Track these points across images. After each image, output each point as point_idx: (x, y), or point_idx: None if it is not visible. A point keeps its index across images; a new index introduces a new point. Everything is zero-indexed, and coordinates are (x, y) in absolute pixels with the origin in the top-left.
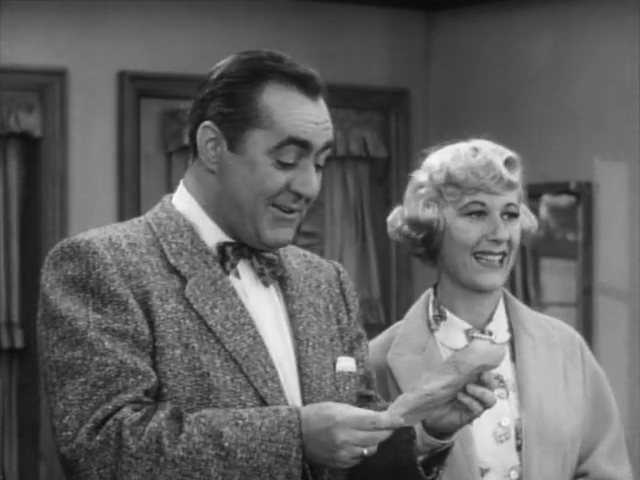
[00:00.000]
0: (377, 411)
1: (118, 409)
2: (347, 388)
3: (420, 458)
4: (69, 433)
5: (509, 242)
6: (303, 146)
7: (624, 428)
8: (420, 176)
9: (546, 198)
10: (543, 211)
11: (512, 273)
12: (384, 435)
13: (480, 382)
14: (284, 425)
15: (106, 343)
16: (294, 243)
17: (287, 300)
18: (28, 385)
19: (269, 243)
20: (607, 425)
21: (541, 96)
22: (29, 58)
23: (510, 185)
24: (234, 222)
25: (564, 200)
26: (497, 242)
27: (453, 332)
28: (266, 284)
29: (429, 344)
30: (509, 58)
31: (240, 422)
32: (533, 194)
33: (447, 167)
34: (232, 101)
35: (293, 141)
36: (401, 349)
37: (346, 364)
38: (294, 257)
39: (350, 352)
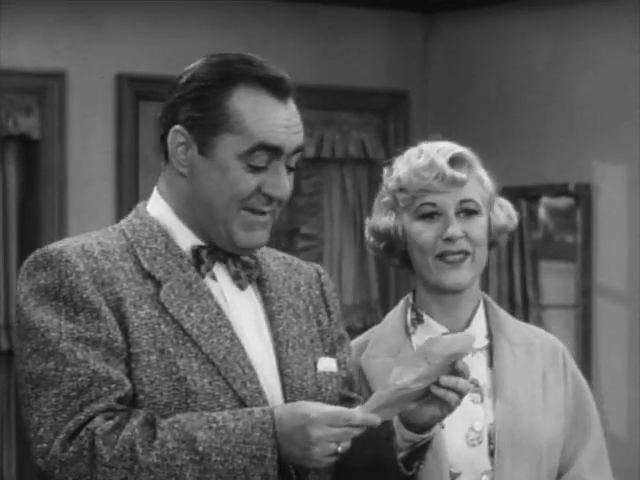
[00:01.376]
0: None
1: (90, 419)
2: (329, 388)
3: (401, 454)
4: (44, 445)
5: (469, 240)
6: (274, 151)
7: (624, 430)
8: (382, 185)
9: (545, 200)
10: (542, 213)
11: (511, 275)
12: (357, 431)
13: (454, 372)
14: (258, 426)
15: (78, 353)
16: (294, 245)
17: (266, 302)
18: None
19: (242, 246)
20: (588, 435)
21: (540, 98)
22: (28, 60)
23: (455, 182)
24: (206, 226)
25: (563, 202)
26: (450, 240)
27: (429, 335)
28: (242, 287)
29: (404, 347)
30: (508, 60)
31: (214, 425)
32: (532, 196)
33: (397, 173)
34: (202, 105)
35: (264, 147)
36: (375, 351)
37: (327, 364)
38: (273, 259)
39: (332, 354)
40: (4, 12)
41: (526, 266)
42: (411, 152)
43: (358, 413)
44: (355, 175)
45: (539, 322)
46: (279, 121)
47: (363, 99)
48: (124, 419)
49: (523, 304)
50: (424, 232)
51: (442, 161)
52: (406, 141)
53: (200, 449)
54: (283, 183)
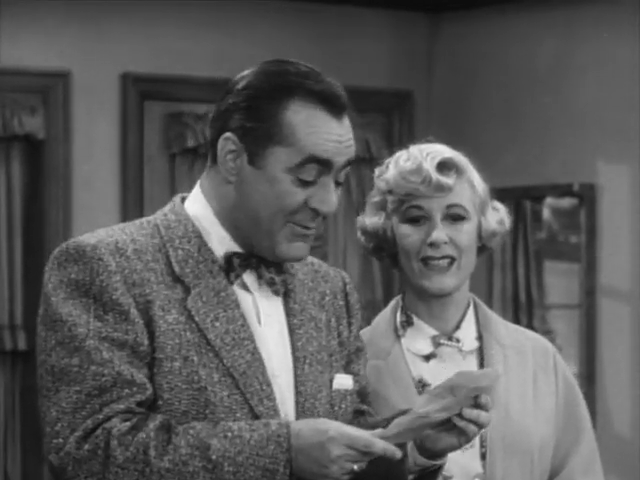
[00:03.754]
0: (368, 425)
1: (108, 419)
2: (343, 406)
3: (410, 477)
4: (60, 441)
5: (455, 246)
6: (324, 165)
7: (627, 429)
8: (375, 184)
9: (549, 200)
10: (546, 213)
11: (515, 275)
12: (375, 456)
13: (476, 405)
14: (273, 439)
15: (104, 353)
16: None
17: (288, 314)
18: (31, 387)
19: (284, 257)
20: (580, 437)
21: (544, 98)
22: (32, 60)
23: (441, 188)
24: (248, 233)
25: (567, 202)
26: (434, 245)
27: (419, 338)
28: (277, 293)
29: (394, 349)
30: (512, 60)
31: (229, 435)
32: (536, 196)
33: (387, 175)
34: (255, 116)
35: (315, 160)
36: None
37: (343, 382)
38: (301, 266)
39: (347, 365)
40: (9, 12)
41: (530, 266)
42: (400, 154)
43: (378, 441)
44: (359, 175)
45: (543, 322)
46: (331, 136)
47: (367, 99)
48: (141, 422)
49: (527, 304)
50: (410, 235)
51: (429, 166)
52: (410, 141)
53: (213, 457)
54: (331, 199)
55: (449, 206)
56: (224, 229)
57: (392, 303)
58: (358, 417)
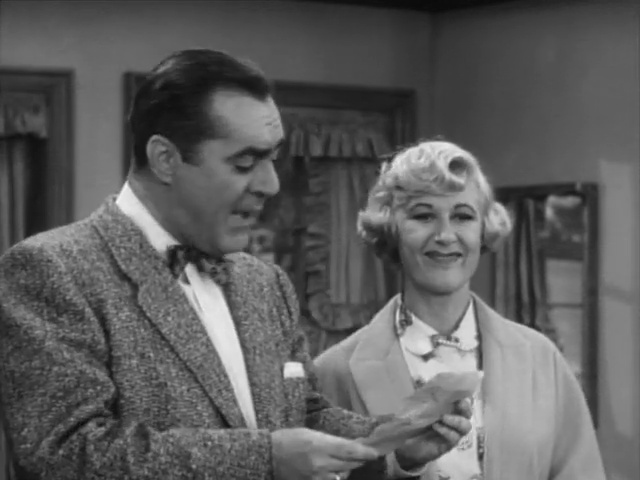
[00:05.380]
0: (349, 430)
1: (81, 422)
2: (296, 394)
3: None
4: (28, 446)
5: (462, 244)
6: (262, 152)
7: (629, 429)
8: (379, 179)
9: (552, 199)
10: (549, 212)
11: (518, 274)
12: (358, 464)
13: (457, 410)
14: (254, 450)
15: (65, 353)
16: (301, 244)
17: (232, 306)
18: None
19: (225, 250)
20: (579, 435)
21: (546, 97)
22: (35, 59)
23: (453, 187)
24: (187, 229)
25: (570, 201)
26: (442, 244)
27: (418, 337)
28: (220, 282)
29: (393, 349)
30: (514, 59)
31: (209, 444)
32: (539, 195)
33: (396, 170)
34: (182, 113)
35: (252, 151)
36: (364, 354)
37: (294, 370)
38: (236, 260)
39: (293, 354)
40: (11, 11)
41: (533, 265)
42: (412, 151)
43: (360, 447)
44: (362, 174)
45: (546, 321)
46: (263, 120)
47: (370, 98)
48: (115, 426)
49: (530, 303)
50: (416, 231)
51: (442, 164)
52: (413, 140)
53: (193, 467)
54: (272, 179)
55: (457, 205)
56: (161, 227)
57: (390, 303)
58: (313, 405)
